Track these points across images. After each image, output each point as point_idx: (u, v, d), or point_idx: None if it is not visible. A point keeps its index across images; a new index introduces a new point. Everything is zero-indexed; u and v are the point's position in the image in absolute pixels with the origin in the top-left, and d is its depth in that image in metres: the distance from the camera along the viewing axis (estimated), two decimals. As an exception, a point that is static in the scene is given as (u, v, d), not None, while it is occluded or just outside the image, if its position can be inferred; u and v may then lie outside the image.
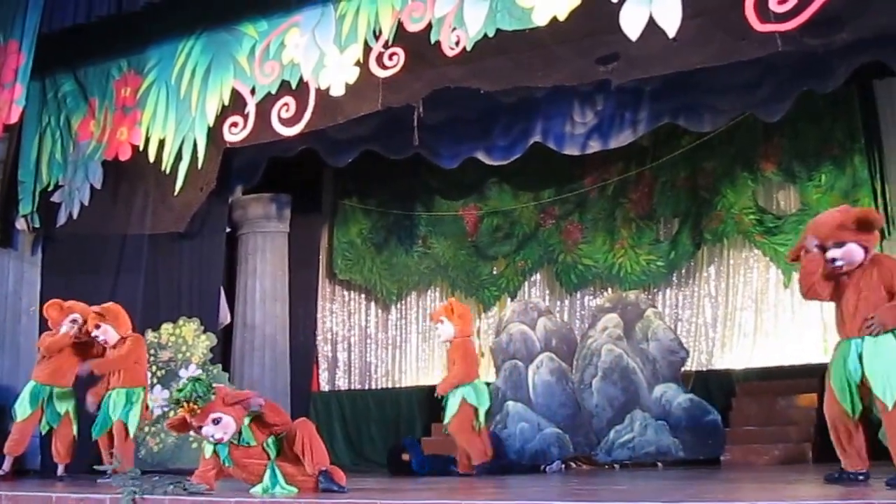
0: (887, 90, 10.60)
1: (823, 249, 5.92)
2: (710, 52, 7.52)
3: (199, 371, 10.44)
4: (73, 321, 8.98)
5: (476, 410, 9.04)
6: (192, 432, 6.94)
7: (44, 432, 9.09)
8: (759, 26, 7.04)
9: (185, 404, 6.41)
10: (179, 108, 9.87)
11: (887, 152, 10.54)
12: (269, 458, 6.63)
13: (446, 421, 9.13)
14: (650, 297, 11.23)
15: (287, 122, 9.16)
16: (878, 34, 7.14)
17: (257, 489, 6.58)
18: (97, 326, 8.78)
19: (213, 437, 6.44)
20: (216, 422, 6.41)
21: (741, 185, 11.14)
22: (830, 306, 6.19)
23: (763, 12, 7.00)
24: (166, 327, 10.71)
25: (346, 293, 13.59)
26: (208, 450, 6.70)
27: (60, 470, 9.01)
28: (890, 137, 10.60)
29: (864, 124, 10.62)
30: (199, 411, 6.37)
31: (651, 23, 7.45)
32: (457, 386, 9.05)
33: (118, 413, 8.64)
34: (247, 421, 6.69)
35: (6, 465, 8.89)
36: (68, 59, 10.60)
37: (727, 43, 7.37)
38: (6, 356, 10.25)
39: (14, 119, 10.29)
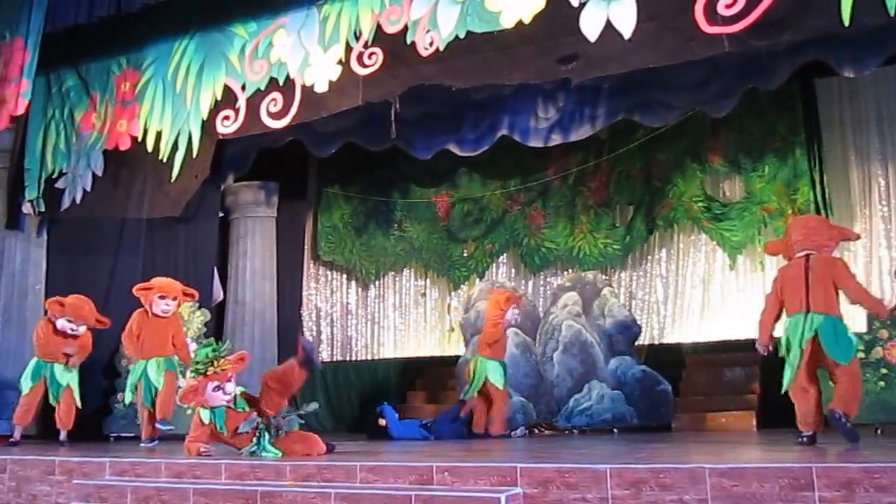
0: (827, 87, 10.59)
1: None
2: (663, 52, 7.42)
3: (195, 344, 10.33)
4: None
5: None
6: (191, 403, 6.85)
7: (53, 404, 8.92)
8: (707, 28, 6.96)
9: (215, 362, 6.52)
10: (175, 102, 9.74)
11: (826, 145, 10.53)
12: (258, 426, 6.60)
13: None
14: (607, 277, 11.19)
15: (275, 116, 9.05)
16: (817, 36, 7.12)
17: (245, 451, 6.54)
18: (162, 298, 8.84)
19: (231, 394, 6.55)
20: (230, 380, 6.57)
21: (691, 176, 11.11)
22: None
23: (711, 15, 6.91)
24: (163, 303, 10.56)
25: (328, 273, 13.55)
26: (205, 416, 6.65)
27: (63, 436, 8.91)
28: (829, 131, 10.60)
29: (805, 119, 10.59)
30: (225, 369, 6.51)
31: (608, 25, 7.36)
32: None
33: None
34: (239, 390, 6.68)
35: (16, 435, 8.78)
36: (71, 56, 10.43)
37: (678, 44, 7.27)
38: (13, 331, 10.12)
39: (21, 111, 10.14)
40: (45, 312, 9.12)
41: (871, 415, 7.85)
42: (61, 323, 8.85)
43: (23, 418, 8.82)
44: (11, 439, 8.70)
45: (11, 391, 9.78)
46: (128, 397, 8.92)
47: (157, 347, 8.71)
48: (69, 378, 8.90)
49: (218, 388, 6.53)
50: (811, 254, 6.29)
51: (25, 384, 8.81)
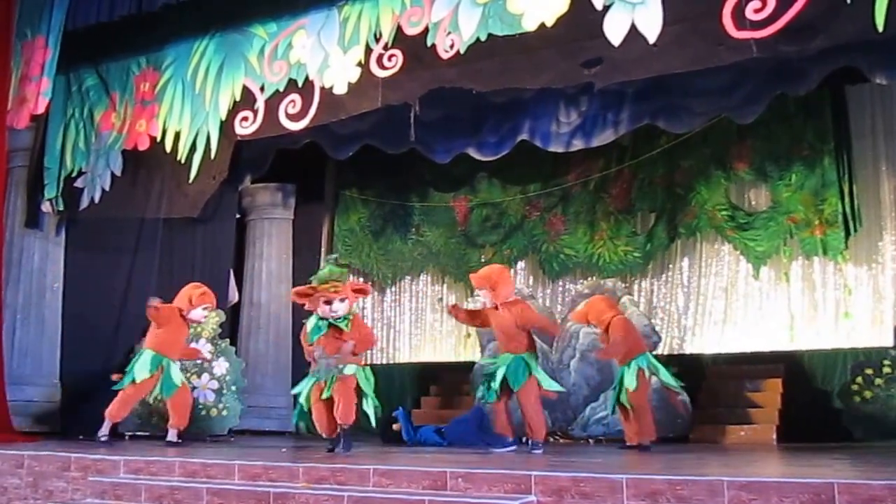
0: (858, 95, 10.38)
1: None
2: (689, 57, 7.33)
3: (209, 345, 10.29)
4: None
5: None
6: (306, 305, 7.91)
7: (165, 397, 8.71)
8: (735, 33, 6.86)
9: (330, 283, 7.62)
10: (194, 103, 9.76)
11: (856, 154, 10.33)
12: None
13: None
14: (626, 285, 11.10)
15: (293, 118, 9.06)
16: (849, 41, 6.94)
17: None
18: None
19: (335, 312, 7.64)
20: (342, 300, 7.65)
21: (715, 183, 10.99)
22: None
23: (740, 20, 6.82)
24: (179, 304, 10.56)
25: (345, 276, 13.50)
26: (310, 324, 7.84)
27: (172, 435, 8.71)
28: (859, 140, 10.39)
29: (835, 127, 10.40)
30: (338, 289, 7.59)
31: (633, 29, 7.28)
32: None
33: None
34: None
35: (105, 430, 8.48)
36: (91, 55, 10.48)
37: (705, 48, 7.18)
38: (32, 329, 10.18)
39: (41, 110, 10.23)
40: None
41: (896, 431, 7.73)
42: (196, 313, 8.88)
43: (119, 412, 8.57)
44: (100, 436, 8.40)
45: (31, 387, 9.85)
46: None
47: None
48: (182, 377, 8.87)
49: (327, 301, 7.59)
50: None
51: (140, 373, 8.50)
